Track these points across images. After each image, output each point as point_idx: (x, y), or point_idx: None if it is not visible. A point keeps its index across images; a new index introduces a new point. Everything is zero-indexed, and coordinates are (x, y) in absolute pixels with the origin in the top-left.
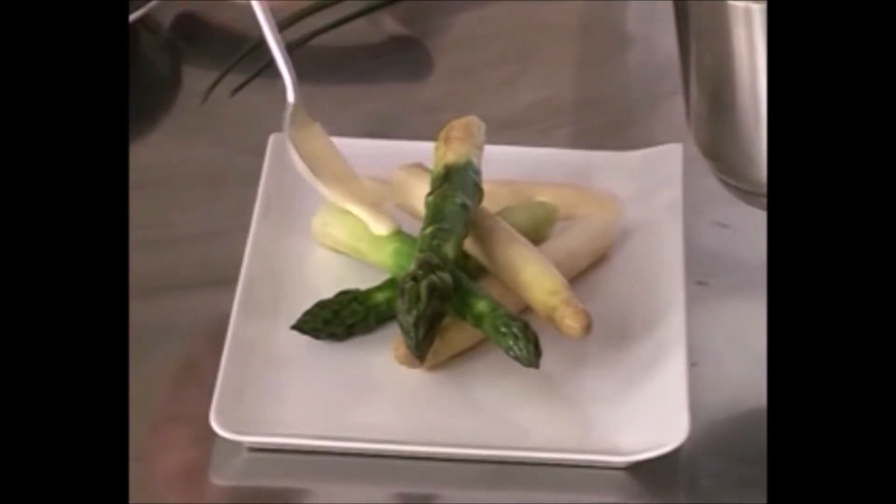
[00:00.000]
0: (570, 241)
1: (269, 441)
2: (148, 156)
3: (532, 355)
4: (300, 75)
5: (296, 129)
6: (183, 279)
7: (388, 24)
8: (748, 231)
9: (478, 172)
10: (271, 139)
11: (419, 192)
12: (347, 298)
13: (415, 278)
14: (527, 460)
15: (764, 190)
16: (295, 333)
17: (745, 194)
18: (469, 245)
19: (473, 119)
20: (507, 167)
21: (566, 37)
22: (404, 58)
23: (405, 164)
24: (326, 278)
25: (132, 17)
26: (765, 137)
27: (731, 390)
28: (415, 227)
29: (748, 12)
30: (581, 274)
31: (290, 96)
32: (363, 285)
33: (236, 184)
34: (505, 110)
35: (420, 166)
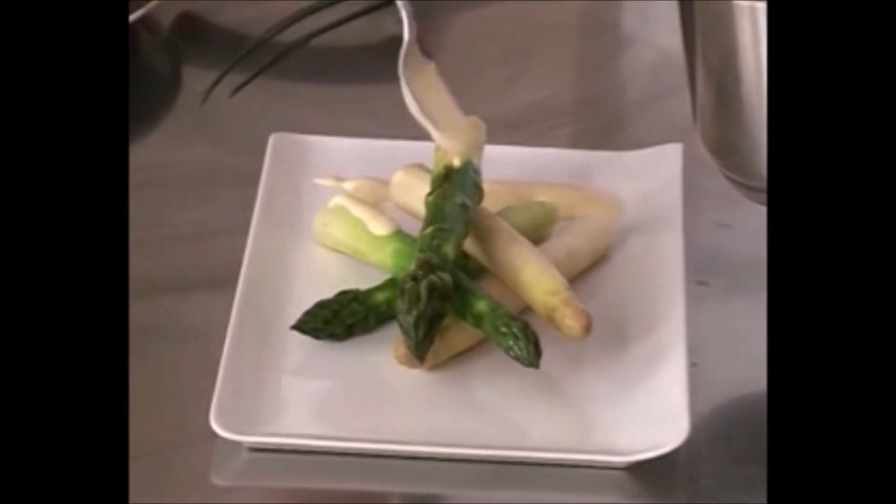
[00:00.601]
0: (570, 241)
1: (269, 441)
2: (148, 156)
3: (532, 355)
4: (300, 75)
5: (408, 68)
6: (183, 279)
7: (388, 24)
8: (748, 231)
9: (478, 172)
10: (271, 139)
11: (419, 192)
12: (347, 298)
13: (415, 278)
14: (527, 460)
15: (764, 185)
16: (295, 333)
17: (753, 191)
18: (469, 245)
19: (474, 119)
20: (507, 167)
21: (566, 37)
22: None
23: (405, 164)
24: (326, 278)
25: (132, 17)
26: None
27: (731, 390)
28: (415, 227)
29: (753, 11)
30: (581, 274)
31: (406, 34)
32: (363, 285)
33: (236, 184)
34: (505, 110)
35: (420, 166)
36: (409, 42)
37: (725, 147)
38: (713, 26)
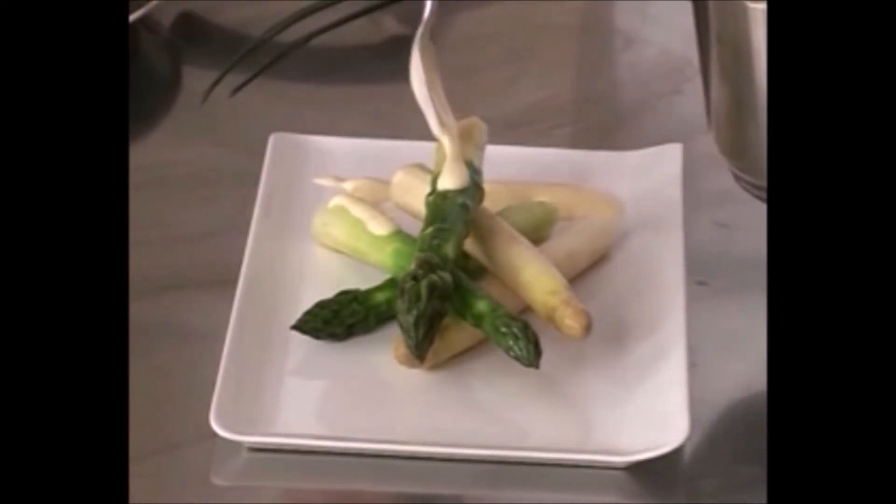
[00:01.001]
0: (571, 241)
1: (269, 441)
2: (148, 156)
3: (532, 355)
4: (300, 75)
5: (421, 50)
6: (183, 279)
7: (388, 24)
8: (748, 231)
9: (478, 172)
10: (271, 139)
11: (419, 192)
12: (347, 298)
13: (415, 278)
14: (527, 460)
15: None
16: (295, 333)
17: (762, 190)
18: (469, 245)
19: (474, 120)
20: (507, 167)
21: (566, 37)
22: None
23: (405, 164)
24: (326, 278)
25: (132, 17)
26: None
27: (731, 390)
28: (415, 227)
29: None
30: (581, 274)
31: (427, 12)
32: (363, 285)
33: (236, 184)
34: (505, 110)
35: (420, 166)
36: (427, 24)
37: (739, 149)
38: (727, 28)
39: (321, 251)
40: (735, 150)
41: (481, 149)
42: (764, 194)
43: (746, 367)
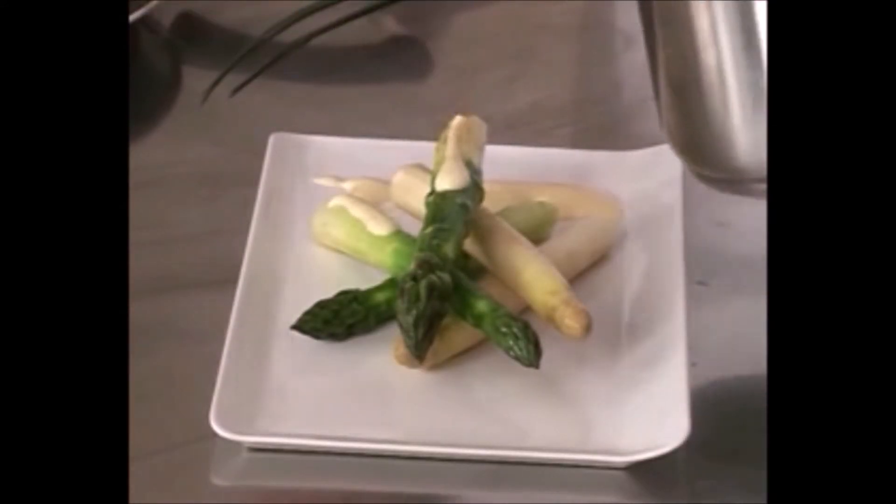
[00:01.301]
0: (571, 241)
1: (269, 441)
2: (148, 156)
3: (532, 355)
4: (300, 75)
5: None
6: (183, 279)
7: (388, 24)
8: (748, 231)
9: (478, 172)
10: (271, 139)
11: (419, 192)
12: (347, 298)
13: (414, 278)
14: (527, 460)
15: (736, 176)
16: (295, 333)
17: (720, 183)
18: (469, 245)
19: (474, 119)
20: (507, 167)
21: (566, 37)
22: (404, 58)
23: (405, 164)
24: (326, 278)
25: (132, 17)
26: (734, 126)
27: (731, 390)
28: (415, 227)
29: (710, 6)
30: (581, 274)
31: None
32: (363, 285)
33: (236, 184)
34: (505, 110)
35: (420, 166)
36: None
37: (690, 143)
38: (671, 21)
39: (321, 251)
40: (684, 144)
41: (481, 148)
42: (720, 185)
43: (746, 367)
